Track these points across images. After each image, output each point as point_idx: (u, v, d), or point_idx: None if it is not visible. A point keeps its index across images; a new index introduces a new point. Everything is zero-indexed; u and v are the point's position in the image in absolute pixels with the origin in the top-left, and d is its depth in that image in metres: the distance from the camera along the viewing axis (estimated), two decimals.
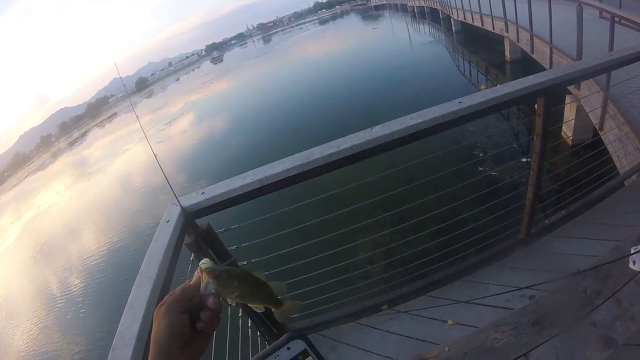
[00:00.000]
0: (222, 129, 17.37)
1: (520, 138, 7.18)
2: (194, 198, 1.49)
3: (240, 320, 1.78)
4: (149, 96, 74.74)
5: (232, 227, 1.70)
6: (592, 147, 4.56)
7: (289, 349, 0.44)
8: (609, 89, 4.21)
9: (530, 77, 1.72)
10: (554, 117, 5.70)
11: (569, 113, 5.93)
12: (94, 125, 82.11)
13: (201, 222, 1.56)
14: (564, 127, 6.20)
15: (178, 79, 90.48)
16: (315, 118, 12.68)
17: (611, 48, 4.30)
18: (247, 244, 1.79)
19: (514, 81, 1.71)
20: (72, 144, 70.33)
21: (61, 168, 42.27)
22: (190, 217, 1.48)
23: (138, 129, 30.29)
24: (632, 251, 1.29)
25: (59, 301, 9.01)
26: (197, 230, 1.54)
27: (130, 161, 20.50)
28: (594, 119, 4.82)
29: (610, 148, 4.11)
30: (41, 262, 12.85)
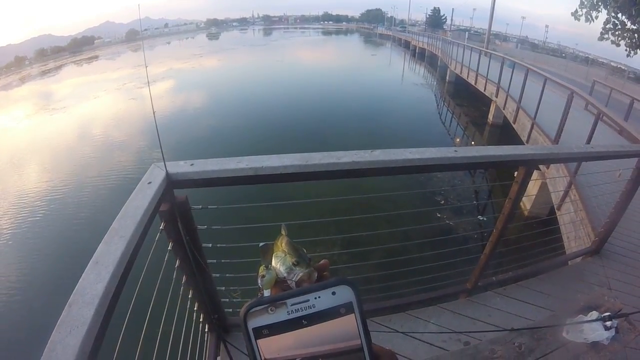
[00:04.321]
0: (197, 105, 17.03)
1: (480, 197, 7.52)
2: (181, 167, 1.47)
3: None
4: (135, 50, 72.39)
5: (208, 206, 1.69)
6: (545, 224, 4.85)
7: (334, 293, 0.37)
8: (576, 175, 4.51)
9: (520, 147, 1.91)
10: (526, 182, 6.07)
11: (533, 188, 6.30)
12: (72, 62, 78.33)
13: (179, 193, 1.53)
14: (524, 199, 6.56)
15: (169, 43, 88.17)
16: (290, 124, 12.64)
17: (589, 140, 4.64)
18: (219, 227, 1.78)
19: (504, 146, 1.87)
20: (44, 74, 66.74)
21: (26, 94, 40.04)
22: (171, 185, 1.46)
23: (116, 78, 29.26)
24: (567, 322, 1.43)
25: None
26: (174, 200, 1.51)
27: (98, 109, 19.65)
28: (555, 199, 5.12)
29: (563, 228, 4.38)
30: None
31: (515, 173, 2.04)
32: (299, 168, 1.45)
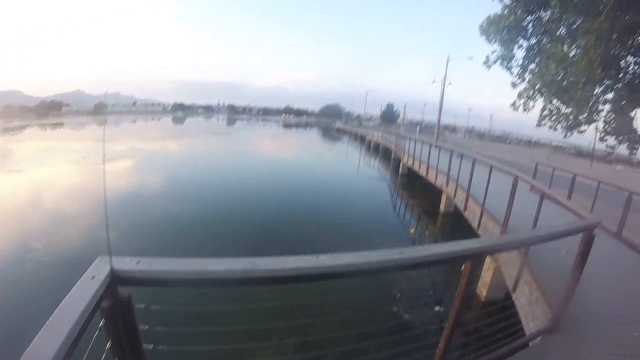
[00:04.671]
0: (152, 188, 16.69)
1: (436, 288, 7.58)
2: (126, 264, 1.45)
3: None
4: (100, 124, 72.36)
5: (151, 306, 1.65)
6: (503, 307, 4.94)
7: None
8: (527, 255, 4.72)
9: (463, 242, 1.99)
10: (476, 274, 6.20)
11: (487, 272, 6.47)
12: (37, 124, 76.98)
13: (123, 290, 1.49)
14: (479, 284, 6.70)
15: (135, 121, 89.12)
16: (245, 214, 12.53)
17: (535, 223, 4.93)
18: (162, 328, 1.72)
19: (449, 242, 1.95)
20: (6, 130, 64.97)
21: None
22: (115, 281, 1.42)
23: (77, 149, 28.80)
24: None
25: None
26: (116, 297, 1.46)
27: (54, 179, 18.98)
28: (509, 281, 5.27)
29: (520, 310, 4.50)
30: None
31: (463, 266, 2.13)
32: (244, 273, 1.46)
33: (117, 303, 1.47)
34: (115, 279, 1.42)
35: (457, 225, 10.74)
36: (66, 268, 7.86)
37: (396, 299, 6.54)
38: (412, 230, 12.13)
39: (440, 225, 12.47)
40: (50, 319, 1.16)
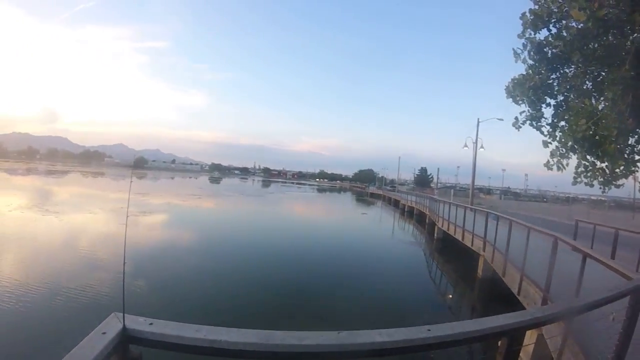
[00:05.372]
0: (182, 244, 16.85)
1: None
2: (140, 324, 1.42)
3: None
4: (140, 178, 75.70)
5: None
6: None
7: None
8: (571, 322, 4.34)
9: (499, 317, 1.83)
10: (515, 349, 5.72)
11: (529, 338, 5.97)
12: (79, 171, 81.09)
13: (134, 348, 1.45)
14: (522, 354, 6.17)
15: (173, 178, 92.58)
16: (274, 278, 12.14)
17: (579, 288, 4.60)
18: None
19: (481, 319, 1.80)
20: (50, 173, 68.68)
21: (27, 185, 40.76)
22: (127, 340, 1.39)
23: (115, 199, 29.95)
24: None
25: None
26: (126, 355, 1.42)
27: (88, 225, 19.63)
28: (554, 352, 4.84)
29: None
30: None
31: (499, 343, 1.94)
32: (258, 347, 1.38)
33: None
34: (127, 338, 1.39)
35: (496, 290, 10.13)
36: (80, 316, 7.85)
37: None
38: (450, 296, 11.65)
39: (478, 291, 11.84)
40: None
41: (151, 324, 1.43)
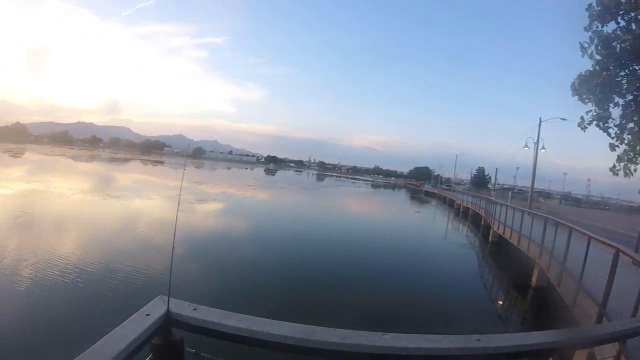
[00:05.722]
0: (236, 234, 17.27)
1: None
2: (184, 309, 1.44)
3: None
4: (198, 167, 78.74)
5: (201, 354, 1.59)
6: None
7: None
8: (625, 344, 3.99)
9: (552, 332, 1.70)
10: None
11: (579, 356, 5.57)
12: (140, 159, 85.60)
13: (176, 332, 1.47)
14: None
15: (229, 168, 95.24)
16: (323, 271, 12.20)
17: (637, 308, 4.22)
18: None
19: (533, 332, 1.67)
20: (112, 160, 73.14)
21: (89, 171, 43.62)
22: (170, 323, 1.42)
23: (173, 186, 31.40)
24: None
25: None
26: (169, 338, 1.44)
27: (146, 209, 20.82)
28: None
29: None
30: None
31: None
32: (298, 341, 1.35)
33: (168, 343, 1.45)
34: (170, 321, 1.42)
35: (550, 301, 9.58)
36: (127, 296, 8.30)
37: None
38: (500, 302, 11.25)
39: (530, 300, 11.25)
40: (96, 344, 1.16)
41: (195, 309, 1.44)
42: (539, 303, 10.86)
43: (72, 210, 18.10)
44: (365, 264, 13.76)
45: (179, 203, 2.14)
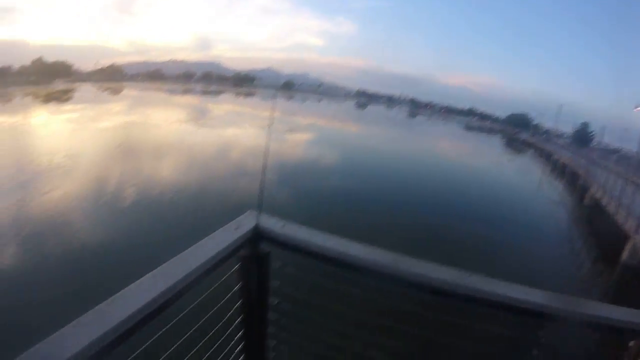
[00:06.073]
0: (326, 162, 17.66)
1: None
2: (273, 224, 1.48)
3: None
4: (287, 99, 79.98)
5: (285, 268, 1.62)
6: None
7: None
8: None
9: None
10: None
11: None
12: (231, 92, 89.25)
13: (264, 246, 1.52)
14: None
15: (319, 101, 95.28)
16: (390, 205, 12.06)
17: None
18: (290, 292, 1.71)
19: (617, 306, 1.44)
20: (204, 93, 77.12)
21: (185, 104, 46.58)
22: (258, 237, 1.47)
23: (264, 117, 32.44)
24: None
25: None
26: (256, 251, 1.51)
27: (238, 137, 22.00)
28: None
29: None
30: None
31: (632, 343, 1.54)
32: (384, 268, 1.33)
33: (255, 256, 1.51)
34: (259, 235, 1.47)
35: (638, 282, 8.74)
36: (219, 210, 9.02)
37: None
38: (581, 272, 10.60)
39: (616, 276, 10.33)
40: (187, 250, 1.25)
41: (283, 225, 1.48)
42: (625, 280, 10.01)
43: (168, 139, 19.65)
44: (450, 204, 13.70)
45: (269, 126, 2.14)
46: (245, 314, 1.70)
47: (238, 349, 1.85)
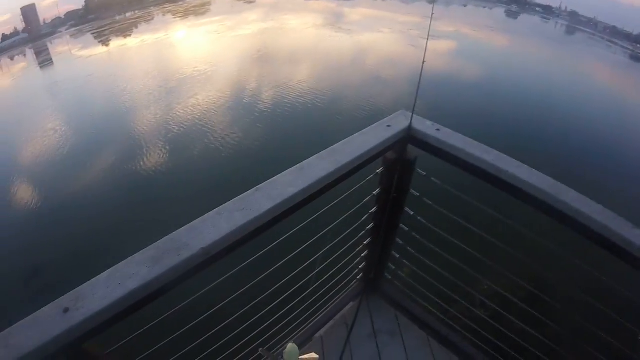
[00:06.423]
0: (472, 72, 16.11)
1: None
2: (427, 127, 1.36)
3: None
4: (430, 2, 72.91)
5: (432, 178, 1.52)
6: None
7: None
8: None
9: None
10: None
11: None
12: None
13: (412, 150, 1.43)
14: None
15: (465, 6, 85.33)
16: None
17: None
18: (430, 203, 1.62)
19: None
20: None
21: (319, 9, 45.60)
22: (408, 139, 1.37)
23: (402, 22, 30.25)
24: None
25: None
26: (404, 155, 1.43)
27: (377, 42, 20.98)
28: None
29: None
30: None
31: None
32: (543, 195, 1.14)
33: (402, 160, 1.44)
34: (409, 137, 1.37)
35: None
36: (368, 110, 9.00)
37: None
38: None
39: None
40: (339, 145, 1.25)
41: (438, 130, 1.34)
42: None
43: (305, 44, 19.49)
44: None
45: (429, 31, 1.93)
46: (376, 222, 1.71)
47: (363, 254, 1.92)
